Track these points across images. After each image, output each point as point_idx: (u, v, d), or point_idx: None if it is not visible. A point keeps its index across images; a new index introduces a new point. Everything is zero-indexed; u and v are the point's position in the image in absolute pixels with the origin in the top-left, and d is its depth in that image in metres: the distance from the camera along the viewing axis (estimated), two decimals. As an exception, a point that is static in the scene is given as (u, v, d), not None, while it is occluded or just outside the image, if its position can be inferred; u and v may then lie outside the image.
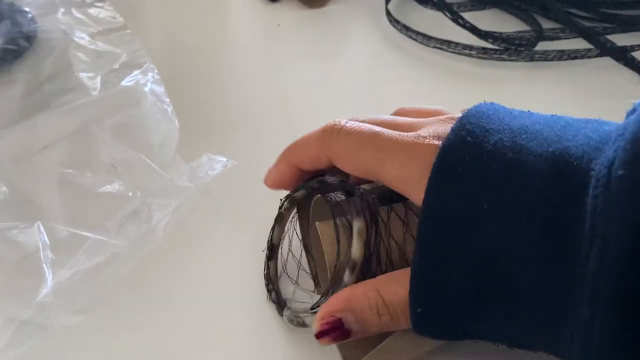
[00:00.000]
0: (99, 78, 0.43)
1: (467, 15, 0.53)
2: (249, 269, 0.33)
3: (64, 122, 0.40)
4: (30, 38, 0.47)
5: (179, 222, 0.32)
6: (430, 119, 0.28)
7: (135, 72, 0.43)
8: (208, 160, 0.34)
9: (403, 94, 0.47)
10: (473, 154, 0.24)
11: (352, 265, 0.26)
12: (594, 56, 0.49)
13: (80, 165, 0.37)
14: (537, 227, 0.22)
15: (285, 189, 0.31)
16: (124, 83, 0.42)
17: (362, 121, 0.28)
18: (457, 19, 0.49)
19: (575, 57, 0.49)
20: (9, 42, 0.46)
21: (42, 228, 0.32)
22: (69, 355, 0.30)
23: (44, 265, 0.30)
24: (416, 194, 0.25)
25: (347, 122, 0.28)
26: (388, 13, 0.53)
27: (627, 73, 0.48)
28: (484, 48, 0.48)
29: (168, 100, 0.41)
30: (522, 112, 0.26)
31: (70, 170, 0.37)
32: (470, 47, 0.48)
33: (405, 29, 0.51)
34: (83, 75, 0.44)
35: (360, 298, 0.26)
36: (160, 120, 0.40)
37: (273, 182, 0.31)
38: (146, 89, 0.42)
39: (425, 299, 0.24)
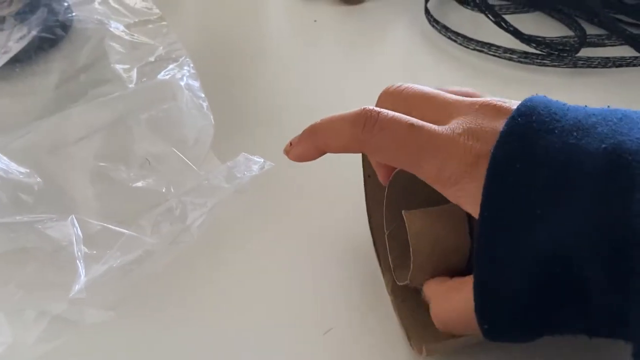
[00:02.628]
0: (135, 70, 0.43)
1: (509, 18, 0.52)
2: (283, 272, 0.33)
3: (100, 114, 0.39)
4: (66, 27, 0.47)
5: (214, 222, 0.32)
6: (464, 102, 0.27)
7: (171, 66, 0.43)
8: (245, 160, 0.33)
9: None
10: (523, 161, 0.23)
11: None
12: (640, 64, 0.47)
13: (114, 159, 0.37)
14: (593, 227, 0.21)
15: (309, 160, 0.31)
16: (160, 77, 0.42)
17: (397, 99, 0.28)
18: (499, 21, 0.47)
19: (620, 65, 0.47)
20: (45, 31, 0.46)
21: (75, 222, 0.32)
22: (100, 351, 0.29)
23: (77, 261, 0.30)
24: (454, 195, 0.25)
25: (380, 113, 0.27)
26: (427, 12, 0.52)
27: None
28: (525, 52, 0.47)
29: (203, 95, 0.40)
30: (577, 106, 0.25)
31: (104, 164, 0.37)
32: (512, 51, 0.47)
33: (445, 29, 0.50)
34: (119, 67, 0.43)
35: (433, 296, 0.27)
36: (196, 116, 0.39)
37: (296, 158, 0.31)
38: (182, 83, 0.41)
39: (491, 312, 0.24)
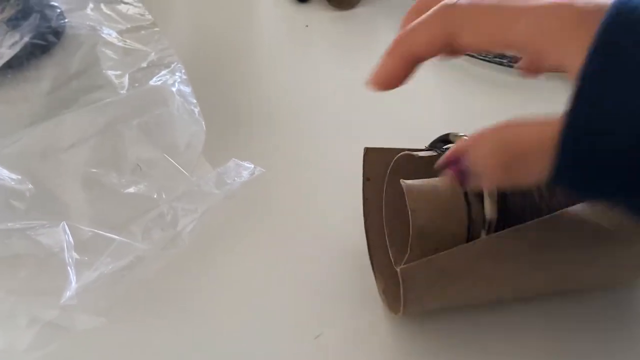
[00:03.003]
0: (126, 76, 0.43)
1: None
2: (273, 277, 0.33)
3: (91, 121, 0.39)
4: (58, 33, 0.47)
5: (205, 228, 0.32)
6: None
7: (163, 72, 0.43)
8: (235, 166, 0.33)
9: (431, 98, 0.46)
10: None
11: (487, 224, 0.27)
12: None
13: (106, 165, 0.37)
14: None
15: (395, 86, 0.28)
16: (151, 82, 0.42)
17: None
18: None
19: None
20: (37, 37, 0.46)
21: (67, 228, 0.32)
22: (91, 357, 0.30)
23: (68, 267, 0.30)
24: (561, 58, 0.22)
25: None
26: (418, 17, 0.53)
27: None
28: (516, 57, 0.47)
29: (195, 101, 0.40)
30: None
31: (95, 170, 0.37)
32: (502, 55, 0.48)
33: (436, 35, 0.50)
34: (111, 73, 0.43)
35: (487, 135, 0.24)
36: (187, 121, 0.39)
37: (383, 81, 0.27)
38: (174, 89, 0.41)
39: (572, 154, 0.22)
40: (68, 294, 0.29)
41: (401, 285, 0.27)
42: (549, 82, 0.47)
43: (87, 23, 0.49)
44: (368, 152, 0.33)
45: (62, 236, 0.32)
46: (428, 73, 0.48)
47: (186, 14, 0.56)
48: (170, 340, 0.30)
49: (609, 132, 0.21)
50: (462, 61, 0.49)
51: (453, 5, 0.25)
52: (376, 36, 0.54)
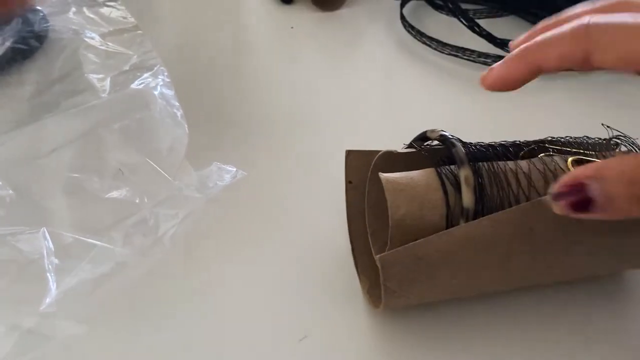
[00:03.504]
0: (108, 80, 0.43)
1: (484, 22, 0.52)
2: (256, 280, 0.33)
3: (73, 125, 0.39)
4: (41, 37, 0.47)
5: (186, 232, 0.32)
6: None
7: (145, 75, 0.43)
8: (217, 169, 0.33)
9: (417, 99, 0.46)
10: None
11: (465, 213, 0.27)
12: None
13: (87, 170, 0.37)
14: None
15: (510, 90, 0.28)
16: (133, 86, 0.41)
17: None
18: (472, 26, 0.48)
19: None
20: (20, 42, 0.46)
21: (47, 234, 0.32)
22: (72, 365, 0.29)
23: (48, 274, 0.30)
24: None
25: (601, 18, 0.25)
26: (402, 18, 0.52)
27: (645, 85, 0.48)
28: (500, 56, 0.47)
29: (178, 104, 0.40)
30: None
31: (77, 175, 0.37)
32: (487, 55, 0.48)
33: (420, 35, 0.50)
34: (93, 77, 0.43)
35: (613, 166, 0.23)
36: (170, 125, 0.39)
37: (498, 81, 0.28)
38: (156, 92, 0.41)
39: None
40: (48, 300, 0.29)
41: (380, 274, 0.27)
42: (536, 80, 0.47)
43: (70, 27, 0.48)
44: (349, 154, 0.33)
45: (42, 242, 0.32)
46: (414, 73, 0.48)
47: (170, 16, 0.56)
48: (153, 346, 0.30)
49: None
50: (446, 62, 0.49)
51: (593, 24, 0.25)
52: (361, 37, 0.54)
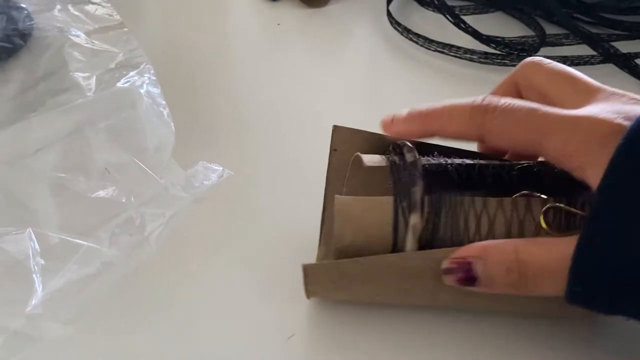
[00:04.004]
0: (94, 78, 0.42)
1: (471, 19, 0.53)
2: (243, 279, 0.33)
3: (58, 124, 0.39)
4: (25, 35, 0.46)
5: (173, 232, 0.32)
6: (612, 91, 0.27)
7: (131, 73, 0.43)
8: (203, 169, 0.33)
9: (403, 96, 0.46)
10: None
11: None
12: (597, 63, 0.48)
13: (73, 169, 0.37)
14: None
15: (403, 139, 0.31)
16: (119, 84, 0.41)
17: (540, 70, 0.29)
18: (458, 22, 0.48)
19: (579, 63, 0.48)
20: (4, 40, 0.46)
21: (32, 235, 0.32)
22: (59, 367, 0.29)
23: (34, 275, 0.30)
24: (582, 172, 0.25)
25: (500, 101, 0.27)
26: (389, 14, 0.53)
27: (630, 80, 0.48)
28: (486, 53, 0.48)
29: (164, 102, 0.40)
30: None
31: (63, 174, 0.36)
32: (472, 52, 0.48)
33: (407, 31, 0.51)
34: (78, 75, 0.43)
35: (495, 250, 0.26)
36: (156, 124, 0.39)
37: (396, 134, 0.31)
38: (142, 90, 0.41)
39: (587, 279, 0.24)
40: (34, 302, 0.29)
41: (303, 278, 0.29)
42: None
43: (55, 24, 0.48)
44: (336, 129, 0.33)
45: (27, 243, 0.32)
46: (400, 70, 0.49)
47: (156, 13, 0.56)
48: (140, 347, 0.30)
49: (622, 259, 0.23)
50: (433, 58, 0.49)
51: (491, 108, 0.27)
52: (348, 33, 0.54)
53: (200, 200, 0.33)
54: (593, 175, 0.24)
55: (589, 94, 0.27)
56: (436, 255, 0.27)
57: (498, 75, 0.47)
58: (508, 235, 0.27)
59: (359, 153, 0.30)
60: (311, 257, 0.33)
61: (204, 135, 0.42)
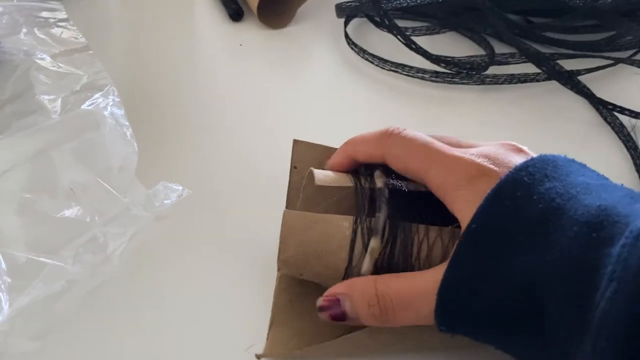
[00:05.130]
0: (59, 100, 0.44)
1: (426, 39, 0.55)
2: (203, 293, 0.34)
3: (24, 146, 0.40)
4: (-9, 59, 0.47)
5: (135, 250, 0.33)
6: (489, 143, 0.30)
7: (96, 95, 0.44)
8: (164, 188, 0.35)
9: (360, 113, 0.49)
10: (525, 192, 0.26)
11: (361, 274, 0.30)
12: (542, 80, 0.51)
13: (39, 190, 0.38)
14: (564, 268, 0.24)
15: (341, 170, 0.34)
16: (84, 106, 0.43)
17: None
18: (409, 43, 0.50)
19: (525, 81, 0.51)
20: (-30, 64, 0.47)
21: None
22: (25, 381, 0.30)
23: (1, 293, 0.31)
24: (452, 204, 0.28)
25: (405, 130, 0.31)
26: (346, 35, 0.55)
27: (573, 96, 0.51)
28: (436, 72, 0.50)
29: (127, 123, 0.41)
30: (593, 173, 0.28)
31: (29, 195, 0.38)
32: (424, 71, 0.50)
33: (363, 52, 0.53)
34: (44, 98, 0.44)
35: (358, 286, 0.29)
36: (119, 144, 0.40)
37: (331, 167, 0.34)
38: (106, 112, 0.42)
39: (451, 314, 0.26)
40: (1, 319, 0.30)
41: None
42: (471, 93, 0.50)
43: (21, 48, 0.49)
44: (297, 143, 0.35)
45: (-6, 262, 0.33)
46: (357, 88, 0.51)
47: (121, 35, 0.57)
48: None
49: (476, 294, 0.26)
50: (387, 77, 0.52)
51: (395, 134, 0.31)
52: (307, 54, 0.56)
53: (161, 219, 0.34)
54: (459, 211, 0.27)
55: (472, 145, 0.31)
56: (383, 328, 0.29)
57: (448, 93, 0.50)
58: (445, 260, 0.29)
59: (312, 168, 0.32)
60: (270, 272, 0.35)
61: (167, 154, 0.43)
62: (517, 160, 0.28)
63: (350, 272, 0.30)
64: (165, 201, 0.34)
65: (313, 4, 0.59)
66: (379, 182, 0.31)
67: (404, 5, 0.49)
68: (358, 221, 0.30)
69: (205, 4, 0.61)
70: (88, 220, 0.36)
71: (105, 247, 0.33)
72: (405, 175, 0.31)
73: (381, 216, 0.29)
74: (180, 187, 0.35)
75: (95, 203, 0.37)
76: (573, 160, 0.29)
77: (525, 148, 0.30)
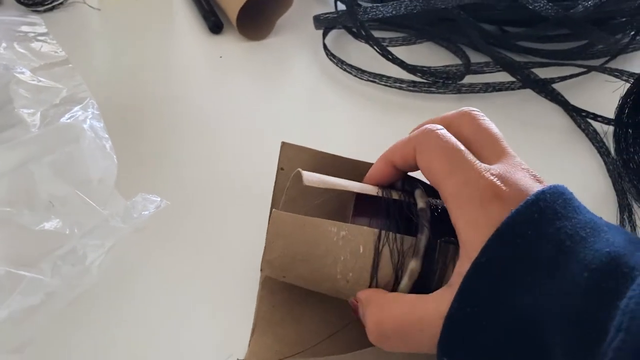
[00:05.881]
0: (39, 114, 0.44)
1: (404, 49, 0.56)
2: (182, 303, 0.34)
3: (3, 160, 0.40)
4: (-30, 74, 0.48)
5: (113, 261, 0.34)
6: (511, 163, 0.30)
7: (75, 108, 0.44)
8: (142, 200, 0.35)
9: (339, 123, 0.49)
10: (535, 231, 0.26)
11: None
12: (517, 88, 0.52)
13: (18, 203, 0.38)
14: (571, 313, 0.24)
15: (381, 184, 0.33)
16: (63, 120, 0.43)
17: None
18: (385, 53, 0.51)
19: (500, 89, 0.52)
20: (-50, 78, 0.47)
21: (-22, 269, 0.33)
22: (4, 393, 0.30)
23: (-21, 307, 0.31)
24: (457, 219, 0.28)
25: (441, 129, 0.30)
26: (325, 47, 0.56)
27: (548, 103, 0.52)
28: (413, 81, 0.51)
29: (107, 136, 0.42)
30: (600, 221, 0.28)
31: (8, 209, 0.38)
32: (401, 81, 0.51)
33: (341, 63, 0.54)
34: (23, 112, 0.44)
35: (373, 302, 0.29)
36: (99, 157, 0.41)
37: (369, 179, 0.33)
38: (85, 125, 0.43)
39: (454, 346, 0.26)
40: (-21, 333, 0.30)
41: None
42: (448, 102, 0.51)
43: (1, 62, 0.49)
44: (284, 145, 0.35)
45: (-27, 277, 0.33)
46: (335, 99, 0.51)
47: (101, 47, 0.58)
48: (83, 371, 0.31)
49: (481, 329, 0.26)
50: (365, 87, 0.52)
51: (429, 132, 0.30)
52: (287, 65, 0.56)
53: (140, 230, 0.35)
54: (464, 230, 0.27)
55: (500, 156, 0.30)
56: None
57: (425, 102, 0.51)
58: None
59: (300, 169, 0.32)
60: (249, 281, 0.35)
61: (146, 166, 0.43)
62: (527, 183, 0.28)
63: (374, 277, 0.30)
64: (143, 212, 0.34)
65: (292, 15, 0.60)
66: (421, 202, 0.31)
67: (380, 16, 0.49)
68: (386, 235, 0.29)
69: (185, 17, 0.61)
70: (67, 232, 0.36)
71: (84, 259, 0.33)
72: (426, 176, 0.31)
73: (423, 238, 0.29)
74: (159, 199, 0.35)
75: (74, 215, 0.37)
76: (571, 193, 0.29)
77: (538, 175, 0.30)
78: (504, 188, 0.27)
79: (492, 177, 0.28)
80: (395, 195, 0.31)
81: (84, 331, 0.33)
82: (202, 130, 0.47)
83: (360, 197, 0.32)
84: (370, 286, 0.30)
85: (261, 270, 0.31)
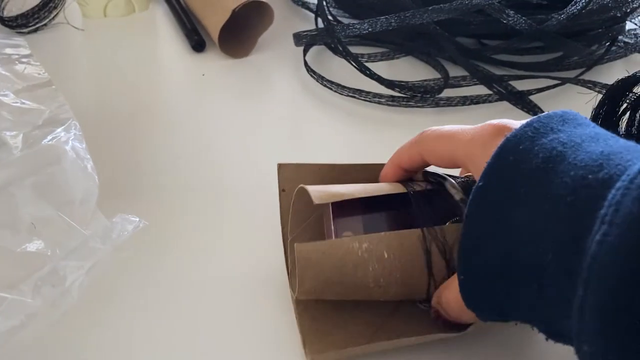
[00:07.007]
0: (21, 136, 0.44)
1: (384, 64, 0.57)
2: (159, 327, 0.35)
3: (-15, 183, 0.41)
4: (-47, 97, 0.48)
5: (93, 282, 0.34)
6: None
7: (58, 129, 0.45)
8: (121, 220, 0.36)
9: (320, 137, 0.50)
10: (526, 145, 0.27)
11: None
12: (495, 100, 0.53)
13: (0, 226, 0.38)
14: (562, 212, 0.24)
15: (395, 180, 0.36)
16: (45, 141, 0.43)
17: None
18: (363, 69, 0.52)
19: (478, 102, 0.53)
20: None
21: (-41, 291, 0.34)
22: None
23: (-40, 330, 0.31)
24: (469, 166, 0.30)
25: (434, 127, 0.33)
26: (306, 64, 0.56)
27: (525, 115, 0.53)
28: (392, 96, 0.52)
29: (89, 156, 0.42)
30: (606, 132, 0.28)
31: (-11, 231, 0.38)
32: (380, 95, 0.52)
33: (322, 79, 0.54)
34: (6, 134, 0.45)
35: (443, 297, 0.31)
36: (80, 178, 0.41)
37: (381, 178, 0.36)
38: (67, 146, 0.43)
39: (468, 272, 0.28)
40: (-41, 355, 0.31)
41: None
42: (427, 116, 0.52)
43: (-16, 85, 0.50)
44: (281, 167, 0.36)
45: (-46, 299, 0.33)
46: (317, 114, 0.52)
47: (84, 69, 0.58)
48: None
49: (486, 251, 0.27)
50: (345, 102, 0.53)
51: (427, 133, 0.33)
52: (269, 82, 0.57)
53: (119, 251, 0.35)
54: (474, 171, 0.29)
55: None
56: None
57: (404, 116, 0.52)
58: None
59: (302, 185, 0.33)
60: (229, 300, 0.36)
61: (127, 186, 0.44)
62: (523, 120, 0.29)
63: (432, 282, 0.31)
64: (122, 233, 0.35)
65: (273, 33, 0.61)
66: (457, 194, 0.32)
67: (357, 33, 0.50)
68: (427, 233, 0.31)
69: (167, 36, 0.62)
70: (49, 254, 0.37)
71: (64, 280, 0.33)
72: (442, 166, 0.33)
73: None
74: (137, 219, 0.36)
75: (56, 237, 0.38)
76: (577, 114, 0.29)
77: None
78: (505, 125, 0.29)
79: (492, 123, 0.30)
80: (417, 187, 0.33)
81: (65, 353, 0.33)
82: (185, 149, 0.48)
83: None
84: (428, 285, 0.31)
85: (296, 299, 0.32)
